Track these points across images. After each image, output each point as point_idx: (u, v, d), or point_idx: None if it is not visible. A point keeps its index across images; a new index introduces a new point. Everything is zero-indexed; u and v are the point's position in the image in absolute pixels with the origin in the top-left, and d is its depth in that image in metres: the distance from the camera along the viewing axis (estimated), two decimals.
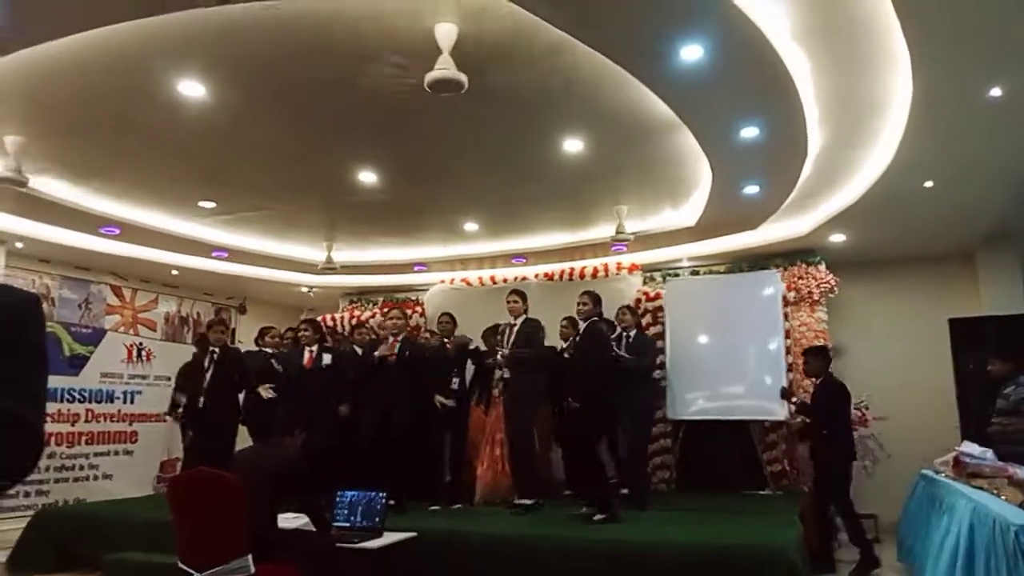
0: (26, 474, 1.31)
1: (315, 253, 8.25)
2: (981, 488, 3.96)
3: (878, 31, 3.63)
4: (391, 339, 6.04)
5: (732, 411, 6.71)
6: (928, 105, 4.20)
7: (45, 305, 7.70)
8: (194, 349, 7.00)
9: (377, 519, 4.35)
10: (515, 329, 5.89)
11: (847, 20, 3.61)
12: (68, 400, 7.35)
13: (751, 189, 5.81)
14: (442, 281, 9.04)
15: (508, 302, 6.01)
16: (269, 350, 6.60)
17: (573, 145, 5.25)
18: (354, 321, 8.91)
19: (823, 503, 5.49)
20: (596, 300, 5.54)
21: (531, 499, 5.59)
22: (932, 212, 6.28)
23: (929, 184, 5.60)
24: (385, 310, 8.63)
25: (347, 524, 4.38)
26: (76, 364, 7.55)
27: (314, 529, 3.93)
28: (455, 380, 6.19)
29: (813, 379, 5.85)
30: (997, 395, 5.25)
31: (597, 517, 4.94)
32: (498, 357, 5.90)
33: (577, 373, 5.42)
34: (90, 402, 7.58)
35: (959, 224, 6.68)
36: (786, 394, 6.33)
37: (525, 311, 5.97)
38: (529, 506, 5.52)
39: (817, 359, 5.75)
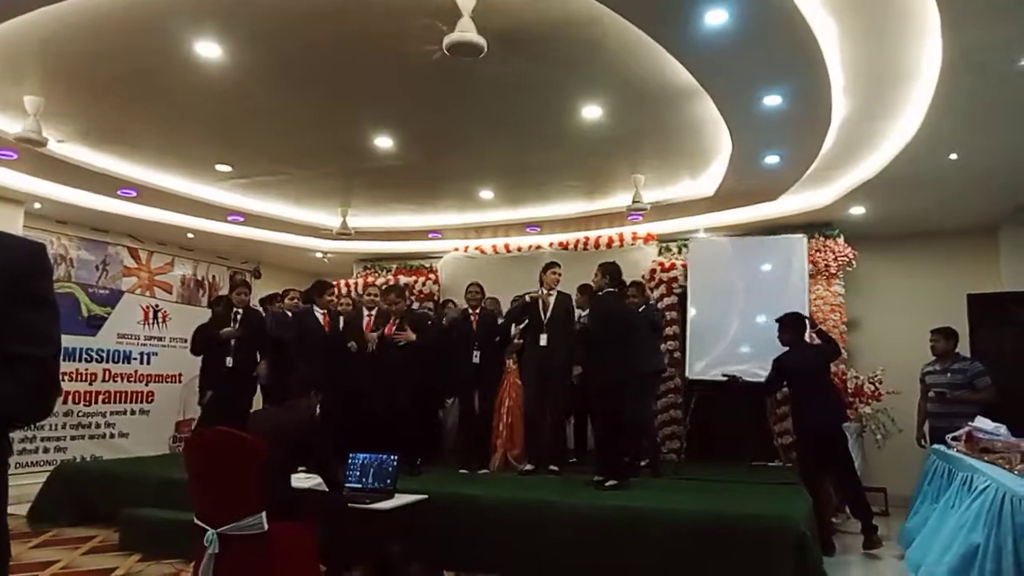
0: (50, 409, 1.38)
1: (330, 219, 8.26)
2: (995, 463, 3.94)
3: None
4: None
5: (749, 375, 6.37)
6: (956, 75, 4.11)
7: (63, 266, 7.78)
8: (210, 311, 7.08)
9: (389, 481, 4.40)
10: (553, 301, 6.02)
11: None
12: (86, 360, 7.45)
13: (771, 159, 5.73)
14: (456, 249, 9.03)
15: (555, 273, 6.12)
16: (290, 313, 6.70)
17: (592, 112, 5.18)
18: (366, 287, 8.93)
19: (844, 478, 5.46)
20: (608, 272, 5.50)
21: (556, 466, 5.85)
22: (956, 185, 6.17)
23: (954, 156, 5.49)
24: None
25: (359, 485, 4.43)
26: (94, 325, 7.63)
27: (327, 490, 3.98)
28: (476, 353, 6.24)
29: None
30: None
31: (609, 483, 4.98)
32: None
33: (595, 346, 5.44)
34: (107, 362, 7.67)
35: (983, 198, 6.56)
36: None
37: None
38: (556, 472, 5.79)
39: (790, 329, 5.58)
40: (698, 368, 6.77)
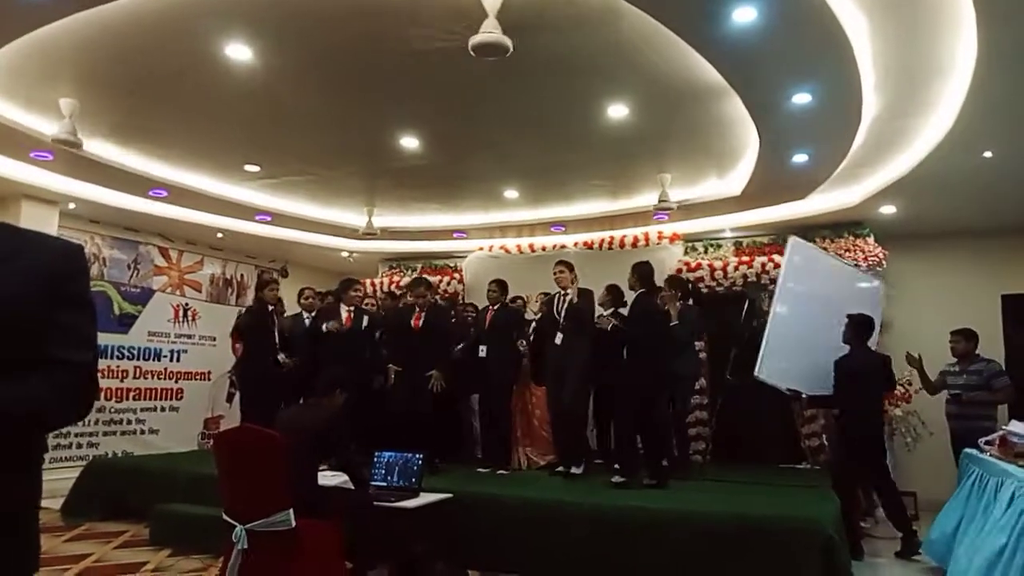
0: (86, 412, 1.39)
1: (356, 218, 8.32)
2: None
3: None
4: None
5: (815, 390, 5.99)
6: (991, 71, 4.01)
7: (96, 266, 7.93)
8: (242, 309, 7.16)
9: (414, 479, 4.43)
10: (568, 300, 5.90)
11: None
12: (117, 357, 7.60)
13: (800, 158, 5.65)
14: (481, 248, 9.04)
15: (554, 273, 6.00)
16: (305, 313, 6.74)
17: (617, 111, 5.16)
18: (392, 286, 9.01)
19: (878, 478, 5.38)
20: (638, 273, 5.50)
21: (580, 466, 5.71)
22: (990, 184, 6.03)
23: (988, 154, 5.37)
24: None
25: (384, 484, 4.46)
26: (125, 323, 7.78)
27: (353, 487, 4.01)
28: (483, 348, 6.25)
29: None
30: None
31: (646, 482, 4.97)
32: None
33: (630, 347, 5.39)
34: (138, 359, 7.81)
35: (1019, 196, 6.40)
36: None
37: (574, 281, 5.96)
38: (579, 473, 5.64)
39: (854, 328, 5.52)
40: (768, 369, 6.08)
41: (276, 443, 3.39)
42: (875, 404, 5.40)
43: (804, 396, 5.75)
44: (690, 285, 7.04)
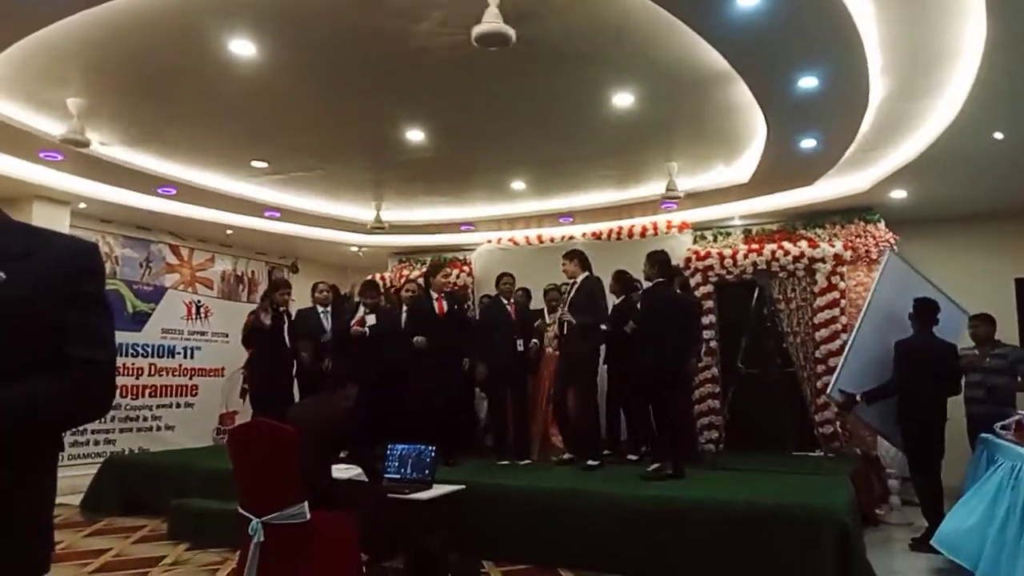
0: (105, 411, 1.39)
1: (364, 213, 8.34)
2: None
3: None
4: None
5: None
6: (1002, 52, 3.96)
7: (108, 264, 7.99)
8: (252, 306, 7.22)
9: (427, 471, 4.45)
10: (575, 287, 5.88)
11: None
12: (132, 355, 7.65)
13: (808, 143, 5.61)
14: (489, 241, 9.05)
15: (562, 265, 6.01)
16: (320, 307, 6.75)
17: (623, 99, 5.14)
18: (401, 279, 9.03)
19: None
20: (656, 261, 5.47)
21: (597, 460, 5.64)
22: (1001, 166, 5.98)
23: (999, 136, 5.32)
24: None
25: (398, 476, 4.49)
26: (139, 320, 7.83)
27: (366, 480, 4.04)
28: (520, 341, 6.27)
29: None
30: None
31: (663, 471, 4.97)
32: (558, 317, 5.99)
33: (646, 336, 5.39)
34: (152, 357, 7.86)
35: None
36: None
37: (583, 269, 5.91)
38: (596, 466, 5.56)
39: (918, 312, 5.39)
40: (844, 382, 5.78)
41: (289, 437, 3.41)
42: (933, 391, 5.17)
43: (859, 397, 5.50)
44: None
